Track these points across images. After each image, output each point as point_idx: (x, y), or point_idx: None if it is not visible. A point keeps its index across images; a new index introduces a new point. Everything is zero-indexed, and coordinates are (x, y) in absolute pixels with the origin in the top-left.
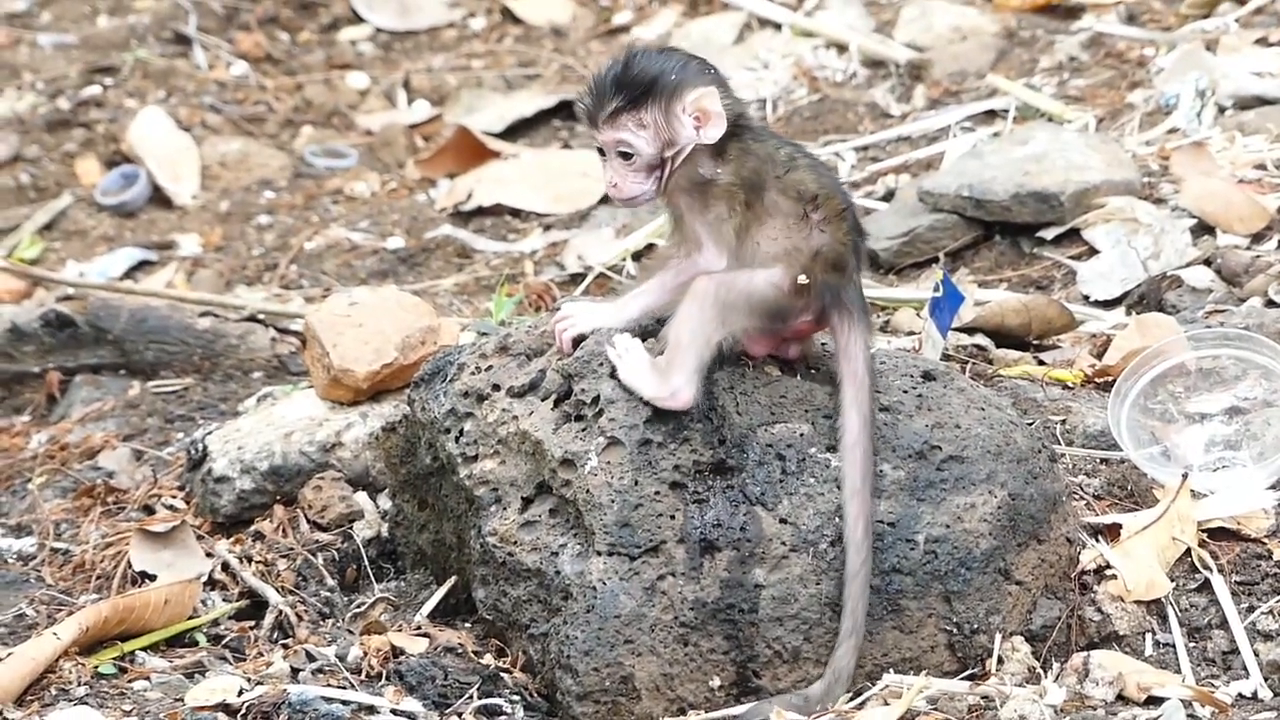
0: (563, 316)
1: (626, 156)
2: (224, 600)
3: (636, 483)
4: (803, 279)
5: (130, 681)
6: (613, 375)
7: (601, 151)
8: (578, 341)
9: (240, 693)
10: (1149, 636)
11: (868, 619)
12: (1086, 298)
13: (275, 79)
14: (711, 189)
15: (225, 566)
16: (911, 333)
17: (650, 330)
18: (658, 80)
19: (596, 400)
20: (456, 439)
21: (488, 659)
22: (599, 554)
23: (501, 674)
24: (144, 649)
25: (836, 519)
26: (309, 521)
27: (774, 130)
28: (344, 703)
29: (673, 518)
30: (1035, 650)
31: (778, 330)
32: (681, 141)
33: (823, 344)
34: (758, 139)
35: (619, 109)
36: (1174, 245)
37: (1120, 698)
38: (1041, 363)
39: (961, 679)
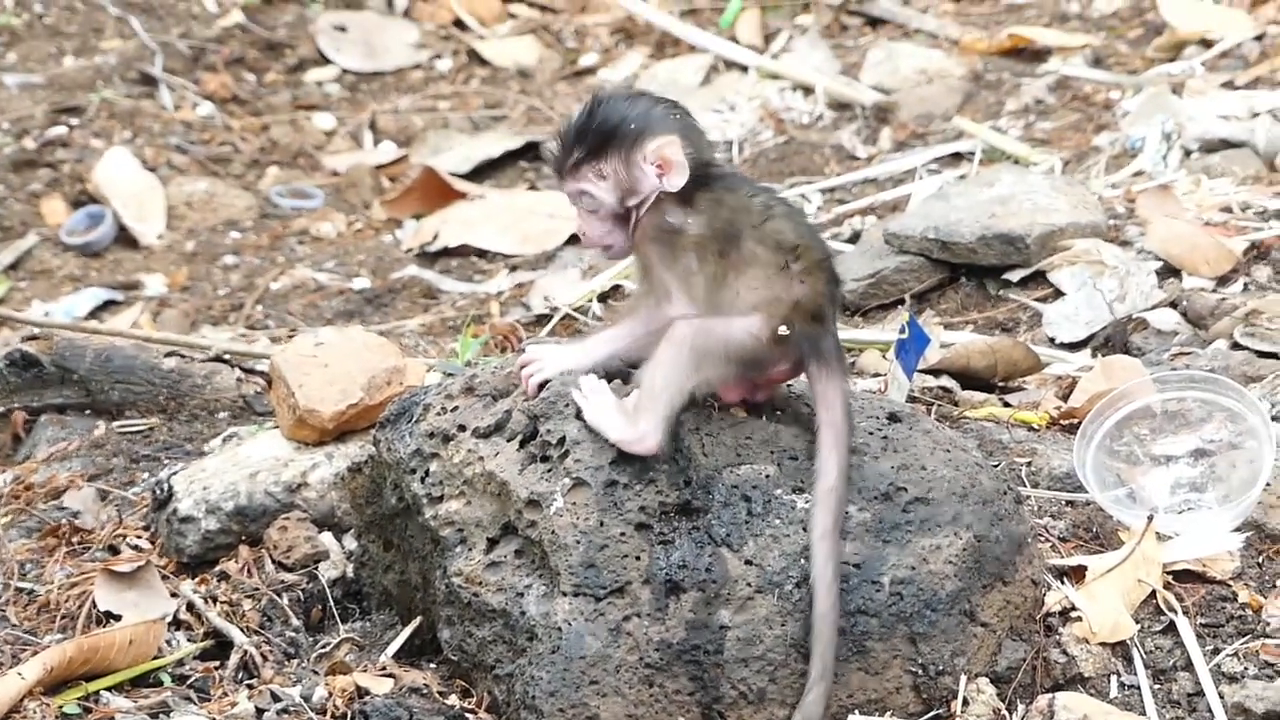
0: (528, 360)
1: (592, 207)
2: (189, 640)
3: (602, 524)
4: (784, 330)
5: None
6: (578, 416)
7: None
8: (543, 386)
9: None
10: (1114, 678)
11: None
12: (1052, 340)
13: (241, 119)
14: (680, 239)
15: (190, 606)
16: (877, 374)
17: (615, 373)
18: (617, 130)
19: (562, 441)
20: (422, 479)
21: (453, 700)
22: (564, 595)
23: (466, 715)
24: (109, 689)
25: (802, 560)
26: (274, 562)
27: (745, 175)
28: None
29: (638, 559)
30: (1000, 692)
31: (753, 378)
32: (644, 191)
33: (788, 385)
34: (729, 187)
35: (580, 160)
36: (1140, 288)
37: None
38: (1007, 405)
39: None
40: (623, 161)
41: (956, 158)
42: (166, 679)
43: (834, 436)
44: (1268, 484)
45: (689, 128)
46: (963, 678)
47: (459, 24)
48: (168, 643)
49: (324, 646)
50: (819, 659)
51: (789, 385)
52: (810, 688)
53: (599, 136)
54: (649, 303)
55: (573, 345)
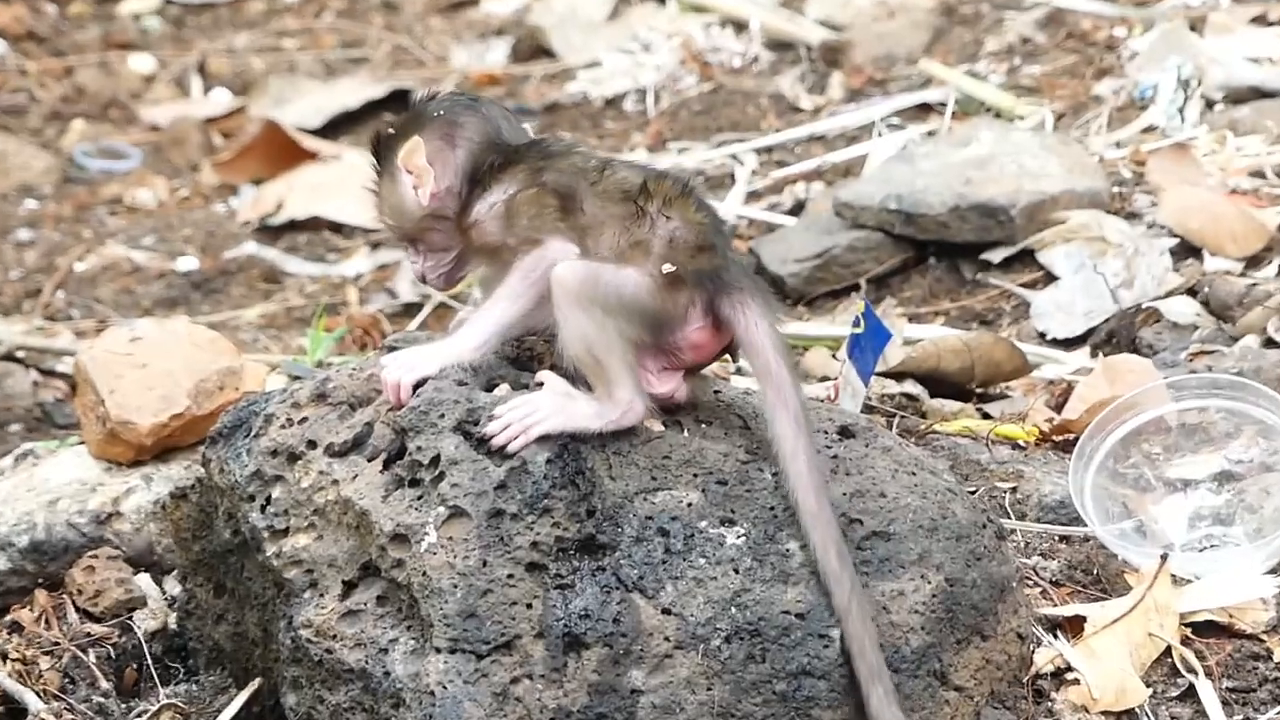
0: (393, 368)
1: (393, 238)
2: None
3: (485, 563)
4: (668, 267)
5: None
6: (493, 446)
7: None
8: (417, 386)
9: None
10: None
11: None
12: (1042, 335)
13: (40, 61)
14: (511, 204)
15: None
16: (826, 378)
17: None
18: (376, 146)
19: (436, 461)
20: (262, 508)
21: None
22: (438, 651)
23: None
24: None
25: (733, 609)
26: (79, 610)
27: (577, 142)
28: None
29: (529, 606)
30: None
31: (669, 344)
32: (409, 206)
33: (715, 391)
34: (551, 156)
35: (371, 189)
36: (1150, 270)
37: None
38: (986, 416)
39: None
40: (388, 176)
41: (924, 110)
42: None
43: (773, 389)
44: None
45: (455, 124)
46: None
47: None
48: None
49: (140, 714)
50: (860, 659)
51: (716, 391)
52: (867, 696)
53: (371, 159)
54: (521, 260)
55: (443, 340)
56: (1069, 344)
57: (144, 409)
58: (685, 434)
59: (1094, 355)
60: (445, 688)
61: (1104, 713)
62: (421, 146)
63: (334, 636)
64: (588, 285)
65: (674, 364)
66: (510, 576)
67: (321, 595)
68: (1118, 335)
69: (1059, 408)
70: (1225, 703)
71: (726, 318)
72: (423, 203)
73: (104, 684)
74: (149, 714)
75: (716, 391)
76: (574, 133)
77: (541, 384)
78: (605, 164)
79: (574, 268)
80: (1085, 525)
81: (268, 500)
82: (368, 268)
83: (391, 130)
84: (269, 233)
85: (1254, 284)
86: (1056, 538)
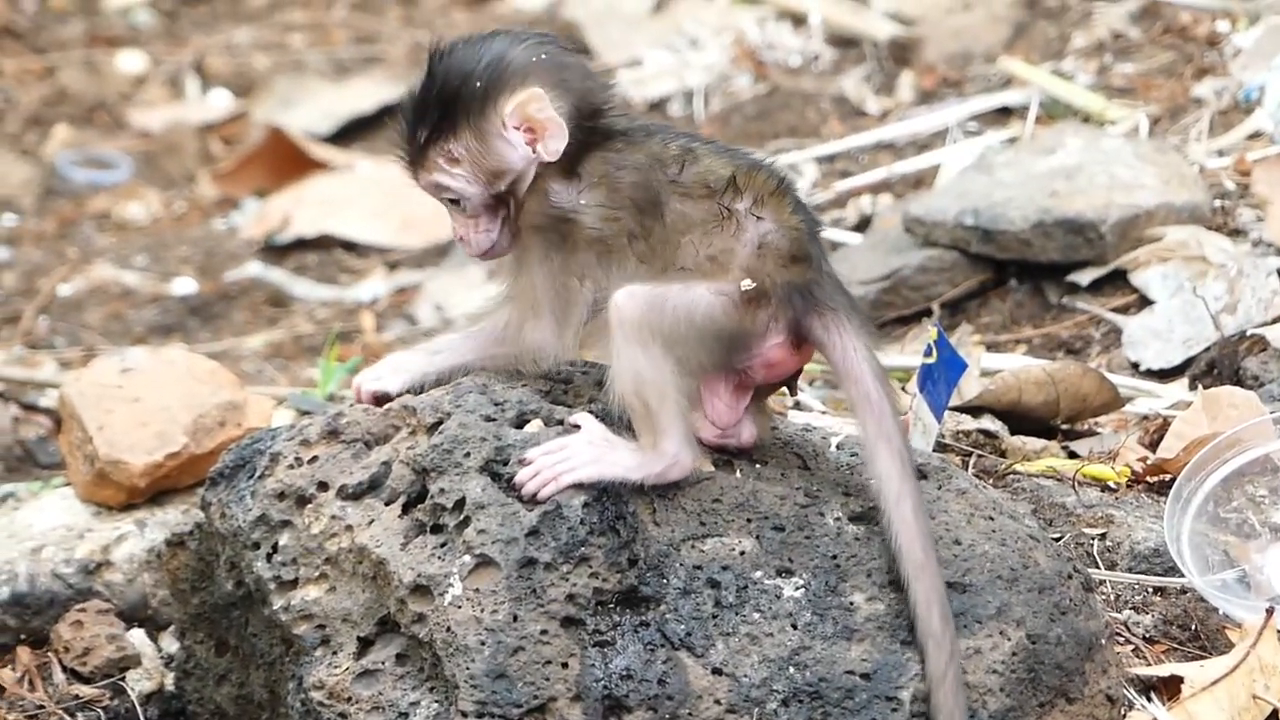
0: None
1: (456, 203)
2: None
3: (516, 618)
4: (747, 284)
5: None
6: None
7: None
8: (380, 400)
9: None
10: None
11: None
12: (1135, 366)
13: (17, 59)
14: (575, 229)
15: None
16: None
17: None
18: (462, 92)
19: (461, 504)
20: (268, 557)
21: None
22: (464, 715)
23: None
24: None
25: (790, 668)
26: (65, 669)
27: (658, 123)
28: None
29: (565, 666)
30: None
31: (742, 364)
32: (514, 166)
33: (771, 427)
34: (631, 141)
35: (426, 143)
36: (1257, 293)
37: None
38: (1073, 455)
39: None
40: (476, 135)
41: (1004, 114)
42: None
43: (874, 419)
44: None
45: (563, 69)
46: None
47: None
48: None
49: None
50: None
51: (773, 428)
52: None
53: (442, 107)
54: (505, 317)
55: (415, 349)
56: (1165, 375)
57: (136, 447)
58: (738, 475)
59: (1193, 388)
60: None
61: None
62: (544, 97)
63: (348, 699)
64: (652, 314)
65: (744, 383)
66: (544, 633)
67: (334, 653)
68: (1219, 365)
69: (1153, 446)
70: None
71: (818, 340)
72: (545, 158)
73: None
74: None
75: (773, 428)
76: None
77: (577, 426)
78: (686, 149)
79: (636, 295)
80: (1182, 575)
81: (274, 548)
82: (384, 291)
83: (479, 82)
84: (274, 252)
85: None
86: (1150, 589)
